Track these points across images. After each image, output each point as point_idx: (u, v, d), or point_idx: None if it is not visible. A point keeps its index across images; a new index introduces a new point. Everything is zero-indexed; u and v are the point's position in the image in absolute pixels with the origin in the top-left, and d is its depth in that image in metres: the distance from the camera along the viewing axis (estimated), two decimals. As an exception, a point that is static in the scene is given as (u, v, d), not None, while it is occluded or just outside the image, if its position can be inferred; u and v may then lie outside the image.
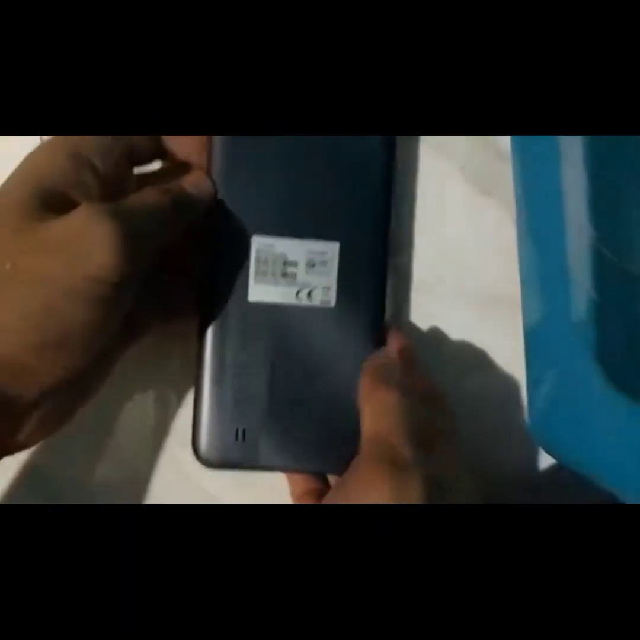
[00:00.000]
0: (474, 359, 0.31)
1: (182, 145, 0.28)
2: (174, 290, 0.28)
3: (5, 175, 0.24)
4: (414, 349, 0.28)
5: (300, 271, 0.27)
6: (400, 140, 0.29)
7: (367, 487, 0.23)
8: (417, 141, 0.31)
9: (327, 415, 0.27)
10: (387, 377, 0.26)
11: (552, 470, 0.31)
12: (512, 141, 0.30)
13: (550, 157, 0.27)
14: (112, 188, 0.25)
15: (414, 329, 0.31)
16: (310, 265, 0.27)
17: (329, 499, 0.25)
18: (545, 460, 0.31)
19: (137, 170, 0.28)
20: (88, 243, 0.22)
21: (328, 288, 0.27)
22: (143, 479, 0.30)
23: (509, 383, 0.31)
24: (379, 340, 0.28)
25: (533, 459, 0.30)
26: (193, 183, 0.27)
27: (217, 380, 0.27)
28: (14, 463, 0.30)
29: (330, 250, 0.27)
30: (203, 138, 0.27)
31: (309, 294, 0.27)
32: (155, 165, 0.29)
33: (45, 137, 0.25)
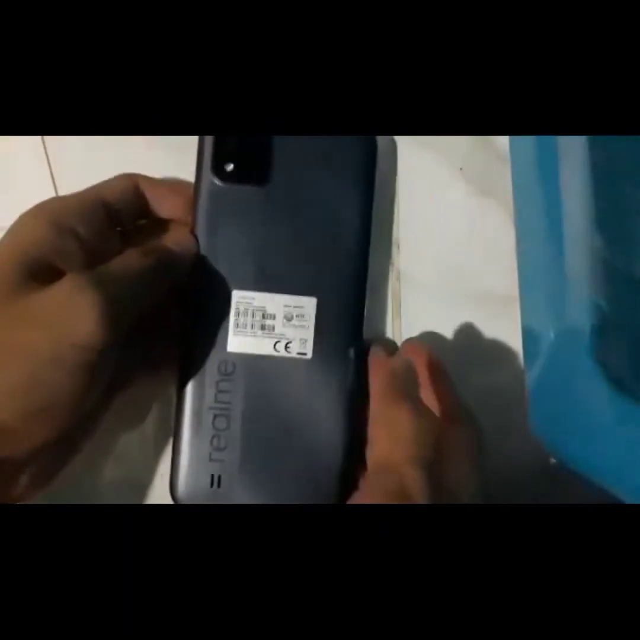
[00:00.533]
0: (474, 359, 0.31)
1: (166, 205, 0.28)
2: (154, 343, 0.28)
3: (5, 175, 0.24)
4: (442, 363, 0.28)
5: (278, 324, 0.28)
6: (401, 140, 0.29)
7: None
8: (417, 141, 0.31)
9: (302, 465, 0.28)
10: (407, 390, 0.26)
11: (552, 470, 0.31)
12: (511, 143, 0.30)
13: (549, 160, 0.27)
14: (96, 252, 0.25)
15: (413, 329, 0.31)
16: (288, 318, 0.28)
17: None
18: (546, 460, 0.31)
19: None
20: (73, 314, 0.22)
21: (305, 340, 0.28)
22: (143, 479, 0.31)
23: (509, 383, 0.31)
24: (357, 392, 0.28)
25: (533, 459, 0.30)
26: (176, 241, 0.27)
27: (194, 428, 0.28)
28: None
29: (308, 304, 0.28)
30: (187, 196, 0.28)
31: (287, 346, 0.28)
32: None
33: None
